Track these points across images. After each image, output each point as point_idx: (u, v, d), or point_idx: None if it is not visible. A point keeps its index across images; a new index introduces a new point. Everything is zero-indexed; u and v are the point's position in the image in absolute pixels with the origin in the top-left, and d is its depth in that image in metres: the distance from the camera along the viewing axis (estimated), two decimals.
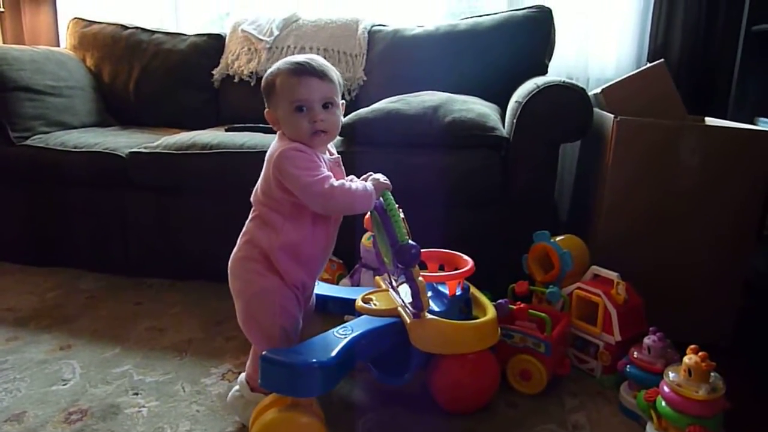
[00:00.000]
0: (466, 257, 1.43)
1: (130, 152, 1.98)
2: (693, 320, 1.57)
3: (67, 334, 1.64)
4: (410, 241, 1.18)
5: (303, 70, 1.17)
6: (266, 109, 1.23)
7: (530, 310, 1.42)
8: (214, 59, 2.58)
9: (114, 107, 2.61)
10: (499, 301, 1.41)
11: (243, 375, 1.27)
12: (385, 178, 1.26)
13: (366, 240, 1.67)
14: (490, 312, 1.33)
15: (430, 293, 1.33)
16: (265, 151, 1.86)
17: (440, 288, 1.40)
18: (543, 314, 1.39)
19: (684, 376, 1.15)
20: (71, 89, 2.41)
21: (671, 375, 1.18)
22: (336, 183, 1.15)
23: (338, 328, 1.20)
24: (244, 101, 2.50)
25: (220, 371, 1.46)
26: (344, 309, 1.40)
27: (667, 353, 1.31)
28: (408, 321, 1.23)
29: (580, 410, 1.33)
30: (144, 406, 1.31)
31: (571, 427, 1.27)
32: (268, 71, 1.22)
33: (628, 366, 1.33)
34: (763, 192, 1.58)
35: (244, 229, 1.24)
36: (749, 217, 1.58)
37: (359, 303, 1.32)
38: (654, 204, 1.61)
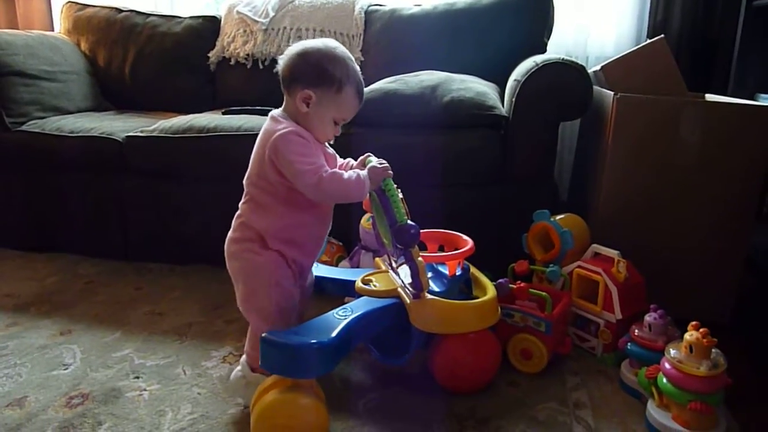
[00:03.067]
0: (465, 237, 1.42)
1: (127, 136, 1.97)
2: (693, 298, 1.57)
3: (67, 320, 1.64)
4: (409, 222, 1.17)
5: (362, 98, 1.23)
6: (304, 89, 1.16)
7: (531, 290, 1.42)
8: (209, 42, 2.55)
9: (110, 91, 2.59)
10: (499, 280, 1.41)
11: (244, 356, 1.27)
12: (383, 162, 1.23)
13: (365, 221, 1.66)
14: (491, 291, 1.33)
15: (430, 274, 1.32)
16: None
17: (440, 268, 1.39)
18: (543, 293, 1.39)
19: (685, 352, 1.15)
20: (66, 74, 2.38)
21: (672, 352, 1.17)
22: (328, 172, 1.14)
23: (338, 309, 1.20)
24: (241, 83, 2.49)
25: (220, 354, 1.46)
26: (344, 291, 1.39)
27: (668, 330, 1.31)
28: (408, 301, 1.23)
29: (581, 388, 1.33)
30: (145, 390, 1.31)
31: (572, 406, 1.27)
32: (336, 59, 1.17)
33: (629, 344, 1.33)
34: (764, 169, 1.57)
35: (238, 211, 1.23)
36: (749, 193, 1.57)
37: (359, 284, 1.32)
38: (655, 181, 1.60)
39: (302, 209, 1.19)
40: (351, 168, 1.25)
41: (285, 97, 1.21)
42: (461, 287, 1.37)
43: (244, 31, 2.50)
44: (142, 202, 2.01)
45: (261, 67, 2.46)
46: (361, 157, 1.27)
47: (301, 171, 1.12)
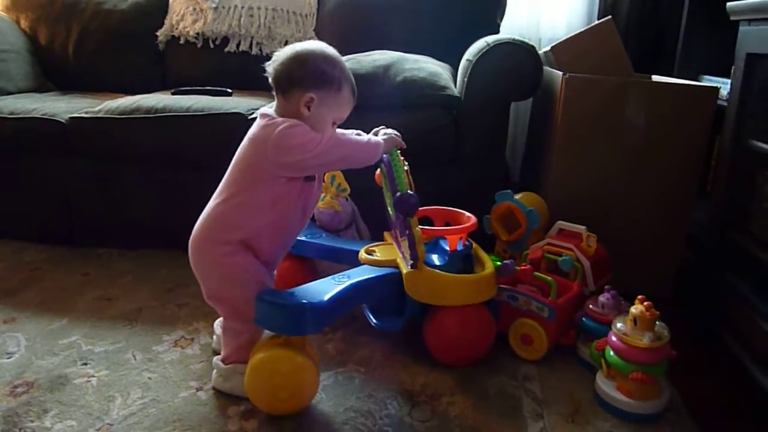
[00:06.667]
0: (469, 215, 1.45)
1: (71, 117, 1.90)
2: (639, 272, 1.62)
3: (11, 307, 1.59)
4: (410, 192, 1.21)
5: (356, 95, 1.24)
6: (305, 92, 1.15)
7: (536, 273, 1.40)
8: (158, 20, 2.47)
9: (52, 71, 2.48)
10: (505, 261, 1.38)
11: (216, 358, 1.26)
12: (398, 134, 1.29)
13: (320, 202, 1.65)
14: (489, 269, 1.35)
15: (433, 254, 1.38)
16: (214, 114, 1.82)
17: (443, 244, 1.41)
18: (548, 278, 1.38)
19: (630, 325, 1.19)
20: (5, 53, 2.28)
21: (618, 325, 1.21)
22: (329, 135, 1.17)
23: (338, 275, 1.25)
24: (191, 63, 2.43)
25: (172, 338, 1.44)
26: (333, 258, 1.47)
27: (620, 306, 1.34)
28: (404, 271, 1.28)
29: (531, 362, 1.37)
30: (93, 376, 1.28)
31: (521, 378, 1.30)
32: (332, 59, 1.19)
33: (583, 318, 1.36)
34: (706, 147, 1.63)
35: (214, 208, 1.19)
36: (692, 171, 1.63)
37: (362, 254, 1.38)
38: (603, 160, 1.63)
39: (297, 203, 1.21)
40: None
41: (279, 100, 1.19)
42: (460, 263, 1.38)
43: (194, 9, 2.43)
44: (89, 185, 1.94)
45: (212, 46, 2.41)
46: (375, 130, 1.30)
47: (302, 146, 1.12)
